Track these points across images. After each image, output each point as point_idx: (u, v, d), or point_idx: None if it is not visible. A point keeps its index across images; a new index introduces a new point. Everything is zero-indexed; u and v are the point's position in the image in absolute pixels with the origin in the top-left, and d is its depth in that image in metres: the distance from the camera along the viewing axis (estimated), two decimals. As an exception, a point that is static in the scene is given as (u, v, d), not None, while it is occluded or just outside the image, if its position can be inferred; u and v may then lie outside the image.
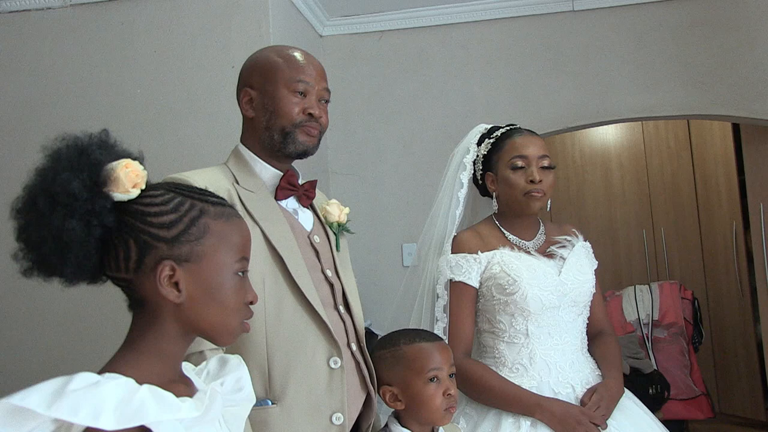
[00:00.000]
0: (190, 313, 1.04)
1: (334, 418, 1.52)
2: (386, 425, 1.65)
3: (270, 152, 1.66)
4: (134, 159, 1.08)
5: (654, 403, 4.13)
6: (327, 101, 1.70)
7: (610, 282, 5.23)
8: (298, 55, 1.67)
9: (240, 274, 1.08)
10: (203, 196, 1.10)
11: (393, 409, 1.65)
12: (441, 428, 1.65)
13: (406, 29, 4.25)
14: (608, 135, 5.95)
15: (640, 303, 4.90)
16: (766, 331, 4.37)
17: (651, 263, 5.78)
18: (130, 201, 1.04)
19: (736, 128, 4.98)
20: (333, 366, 1.54)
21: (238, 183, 1.60)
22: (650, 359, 4.65)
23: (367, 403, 1.65)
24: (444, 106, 4.04)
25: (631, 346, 4.64)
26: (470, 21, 4.19)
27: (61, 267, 1.01)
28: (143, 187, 1.06)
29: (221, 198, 1.13)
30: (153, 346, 1.04)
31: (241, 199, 1.57)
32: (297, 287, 1.53)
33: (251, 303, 1.10)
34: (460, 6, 4.15)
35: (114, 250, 1.03)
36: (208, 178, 1.55)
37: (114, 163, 1.03)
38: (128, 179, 1.02)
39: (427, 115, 4.10)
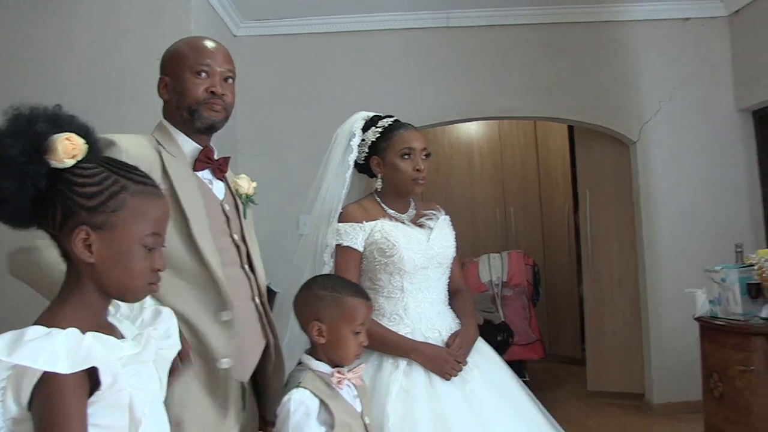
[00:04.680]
0: (101, 272, 1.02)
1: (224, 362, 1.47)
2: (300, 362, 1.62)
3: (184, 128, 1.60)
4: (84, 133, 1.05)
5: (501, 347, 4.31)
6: (233, 80, 1.64)
7: (469, 250, 5.32)
8: (203, 42, 1.62)
9: (149, 247, 1.04)
10: (129, 173, 1.06)
11: (308, 347, 1.63)
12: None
13: (310, 34, 4.20)
14: (471, 130, 6.08)
15: (493, 268, 5.06)
16: (586, 291, 4.67)
17: (502, 236, 5.96)
18: (65, 169, 1.01)
19: (570, 129, 5.22)
20: (225, 318, 1.48)
21: (163, 148, 1.54)
22: (499, 313, 4.84)
23: (267, 349, 1.62)
24: (341, 100, 3.99)
25: (485, 302, 4.82)
26: (364, 30, 4.19)
27: None
28: (80, 158, 1.03)
29: (146, 176, 1.09)
30: (80, 298, 1.02)
31: (162, 161, 1.50)
32: (197, 247, 1.47)
33: (158, 270, 1.07)
34: (355, 17, 4.15)
35: (45, 209, 1.02)
36: (132, 142, 1.48)
37: (57, 135, 1.01)
38: (65, 151, 1.01)
39: (326, 107, 4.06)
